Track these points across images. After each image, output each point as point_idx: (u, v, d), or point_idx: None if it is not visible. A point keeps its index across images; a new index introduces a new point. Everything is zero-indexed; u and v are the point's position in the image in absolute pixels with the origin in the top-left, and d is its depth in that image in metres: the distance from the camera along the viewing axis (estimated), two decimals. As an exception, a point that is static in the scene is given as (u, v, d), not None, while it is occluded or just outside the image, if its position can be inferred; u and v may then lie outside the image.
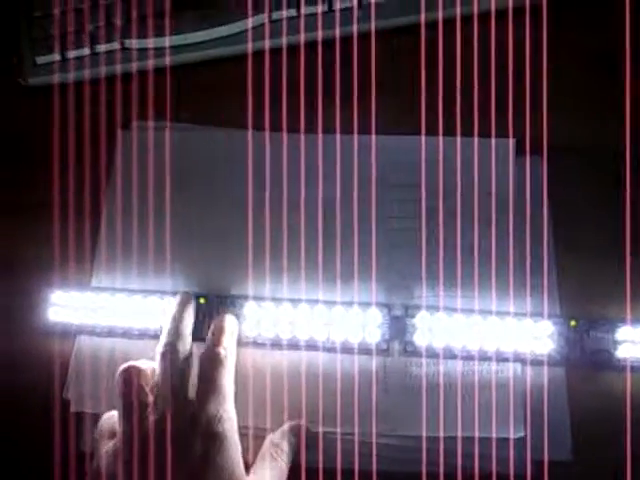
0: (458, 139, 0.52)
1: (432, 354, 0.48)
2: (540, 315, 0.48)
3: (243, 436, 0.43)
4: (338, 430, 0.47)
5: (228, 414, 0.42)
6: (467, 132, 0.52)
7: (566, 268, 0.50)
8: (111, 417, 0.44)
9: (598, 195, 0.52)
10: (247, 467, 0.43)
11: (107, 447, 0.42)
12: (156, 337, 0.48)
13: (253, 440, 0.45)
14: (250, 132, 0.53)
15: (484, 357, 0.48)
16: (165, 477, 0.39)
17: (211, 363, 0.44)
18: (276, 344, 0.48)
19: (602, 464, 0.46)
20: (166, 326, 0.46)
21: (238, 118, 0.54)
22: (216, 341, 0.45)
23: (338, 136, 0.53)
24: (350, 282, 0.50)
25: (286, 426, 0.46)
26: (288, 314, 0.48)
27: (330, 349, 0.48)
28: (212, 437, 0.40)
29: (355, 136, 0.53)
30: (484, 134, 0.52)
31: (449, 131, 0.52)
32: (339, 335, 0.48)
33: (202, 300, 0.49)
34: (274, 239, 0.51)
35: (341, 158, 0.53)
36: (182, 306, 0.47)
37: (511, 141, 0.53)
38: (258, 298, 0.49)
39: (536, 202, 0.51)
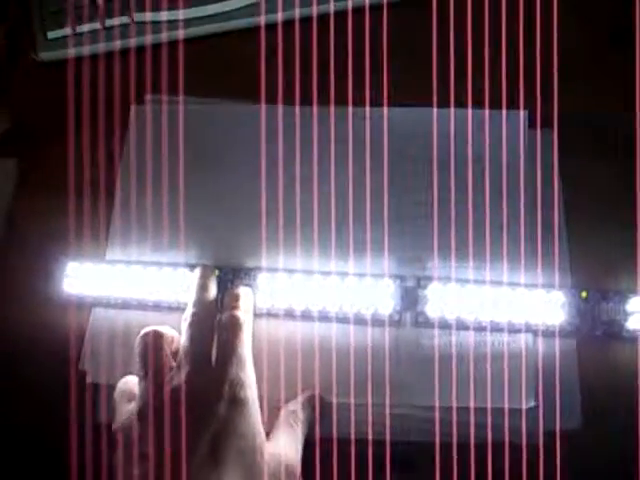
0: (469, 111, 0.52)
1: (444, 325, 0.48)
2: (551, 286, 0.48)
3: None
4: (351, 401, 0.47)
5: (249, 379, 0.42)
6: (479, 104, 0.52)
7: (577, 239, 0.50)
8: (128, 381, 0.45)
9: (609, 166, 0.52)
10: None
11: (126, 409, 0.42)
12: (171, 309, 0.49)
13: (267, 411, 0.46)
14: (263, 106, 0.54)
15: (496, 328, 0.48)
16: (186, 443, 0.39)
17: (230, 328, 0.44)
18: (289, 315, 0.48)
19: (612, 433, 0.46)
20: (191, 297, 0.47)
21: (252, 91, 0.54)
22: (233, 306, 0.46)
23: (350, 108, 0.54)
24: (363, 254, 0.50)
25: (303, 395, 0.46)
26: (301, 285, 0.48)
27: (343, 320, 0.48)
28: (235, 402, 0.41)
29: (367, 108, 0.54)
30: (496, 106, 0.52)
31: (460, 103, 0.52)
32: (352, 306, 0.48)
33: (216, 272, 0.49)
34: (287, 212, 0.51)
35: (353, 131, 0.53)
36: (205, 278, 0.48)
37: (522, 113, 0.53)
38: (271, 270, 0.49)
39: (547, 173, 0.51)
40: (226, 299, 0.47)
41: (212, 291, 0.48)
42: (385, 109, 0.54)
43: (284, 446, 0.43)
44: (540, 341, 0.48)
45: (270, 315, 0.49)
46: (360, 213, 0.51)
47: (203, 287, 0.47)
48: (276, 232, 0.51)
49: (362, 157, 0.52)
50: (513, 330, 0.48)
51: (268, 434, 0.43)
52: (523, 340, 0.48)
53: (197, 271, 0.49)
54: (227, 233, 0.52)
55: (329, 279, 0.48)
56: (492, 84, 0.52)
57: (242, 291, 0.48)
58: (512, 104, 0.52)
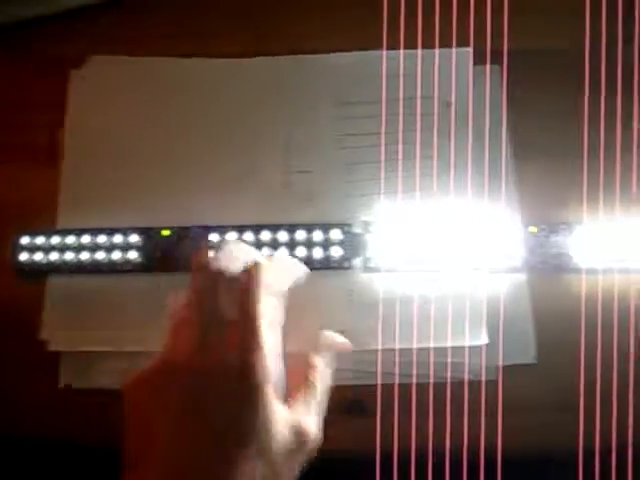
0: (419, 52, 0.51)
1: (394, 268, 0.48)
2: (500, 223, 0.48)
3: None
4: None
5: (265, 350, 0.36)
6: (428, 43, 0.51)
7: (525, 174, 0.50)
8: None
9: (557, 100, 0.51)
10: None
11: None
12: (123, 272, 0.49)
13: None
14: (211, 60, 0.54)
15: (447, 267, 0.48)
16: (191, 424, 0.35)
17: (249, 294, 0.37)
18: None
19: (565, 364, 0.46)
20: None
21: (194, 46, 0.54)
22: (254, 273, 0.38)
23: (300, 57, 0.54)
24: (312, 202, 0.50)
25: (327, 346, 0.40)
26: (251, 239, 0.49)
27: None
28: (246, 387, 0.35)
29: (316, 56, 0.54)
30: (445, 45, 0.51)
31: (411, 44, 0.51)
32: (302, 256, 0.48)
33: (166, 232, 0.50)
34: (237, 168, 0.51)
35: (302, 79, 0.53)
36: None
37: (469, 50, 0.52)
38: (221, 227, 0.49)
39: (495, 110, 0.51)
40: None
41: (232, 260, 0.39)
42: (334, 55, 0.54)
43: (303, 415, 0.36)
44: (491, 279, 0.48)
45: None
46: (311, 161, 0.51)
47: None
48: (226, 189, 0.51)
49: (313, 104, 0.52)
50: (464, 268, 0.48)
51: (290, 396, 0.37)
52: (475, 278, 0.48)
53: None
54: (176, 193, 0.51)
55: (279, 233, 0.49)
56: (442, 22, 0.51)
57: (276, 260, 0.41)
58: (461, 42, 0.51)
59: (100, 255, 0.49)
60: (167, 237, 0.50)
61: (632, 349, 0.45)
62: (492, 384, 0.46)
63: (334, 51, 0.53)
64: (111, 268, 0.50)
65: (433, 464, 0.44)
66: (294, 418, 0.36)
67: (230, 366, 0.35)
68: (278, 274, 0.39)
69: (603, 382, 0.45)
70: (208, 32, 0.54)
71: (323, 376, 0.38)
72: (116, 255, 0.50)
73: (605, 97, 0.48)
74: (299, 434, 0.35)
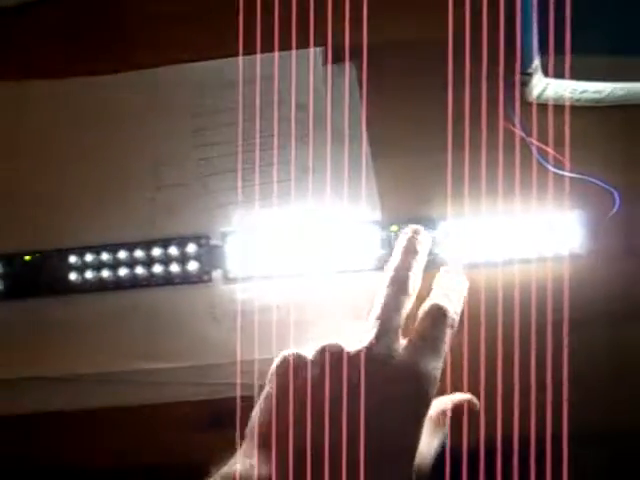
0: (276, 54, 0.50)
1: (255, 278, 0.47)
2: (361, 224, 0.47)
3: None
4: (171, 365, 0.47)
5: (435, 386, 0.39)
6: (285, 46, 0.50)
7: (387, 174, 0.49)
8: None
9: (418, 96, 0.50)
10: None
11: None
12: None
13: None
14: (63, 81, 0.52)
15: (308, 274, 0.47)
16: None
17: (434, 321, 0.41)
18: (101, 287, 0.48)
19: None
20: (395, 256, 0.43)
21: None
22: (443, 297, 0.42)
23: (152, 70, 0.52)
24: (171, 217, 0.49)
25: (455, 398, 0.43)
26: (109, 259, 0.48)
27: (153, 285, 0.48)
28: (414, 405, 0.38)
29: (168, 67, 0.52)
30: (303, 46, 0.50)
31: (268, 47, 0.50)
32: (161, 271, 0.47)
33: (28, 258, 0.48)
34: (95, 188, 0.50)
35: (155, 93, 0.52)
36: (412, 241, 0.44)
37: (328, 49, 0.51)
38: (79, 249, 0.48)
39: (354, 108, 0.50)
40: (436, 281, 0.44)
41: (419, 255, 0.44)
42: (188, 65, 0.52)
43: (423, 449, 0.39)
44: (355, 280, 0.47)
45: (81, 290, 0.48)
46: (171, 176, 0.50)
47: (409, 250, 0.43)
48: (86, 210, 0.50)
49: (173, 118, 0.51)
50: (326, 272, 0.47)
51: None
52: (338, 281, 0.47)
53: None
54: (37, 218, 0.50)
55: (136, 251, 0.47)
56: (299, 23, 0.50)
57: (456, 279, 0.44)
58: (319, 41, 0.50)
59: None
60: (29, 262, 0.48)
61: (500, 343, 0.44)
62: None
63: (188, 61, 0.52)
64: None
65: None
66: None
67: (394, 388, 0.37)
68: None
69: (470, 379, 0.44)
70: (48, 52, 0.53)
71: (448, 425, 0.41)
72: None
73: (470, 92, 0.47)
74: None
